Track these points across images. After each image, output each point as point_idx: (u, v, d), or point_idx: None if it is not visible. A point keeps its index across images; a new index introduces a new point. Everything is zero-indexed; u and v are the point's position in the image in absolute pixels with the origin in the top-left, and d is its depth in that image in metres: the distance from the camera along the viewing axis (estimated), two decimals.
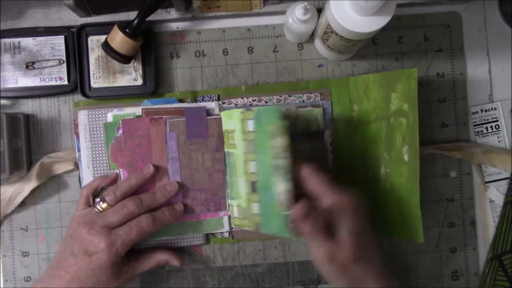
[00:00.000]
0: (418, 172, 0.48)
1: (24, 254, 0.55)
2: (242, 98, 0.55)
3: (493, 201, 0.56)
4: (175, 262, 0.53)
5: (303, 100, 0.55)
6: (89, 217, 0.49)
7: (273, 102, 0.55)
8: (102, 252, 0.47)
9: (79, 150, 0.54)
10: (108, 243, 0.47)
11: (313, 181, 0.46)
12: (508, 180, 0.56)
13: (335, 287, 0.45)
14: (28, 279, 0.55)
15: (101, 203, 0.50)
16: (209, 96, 0.55)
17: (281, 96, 0.55)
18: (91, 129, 0.54)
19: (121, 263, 0.49)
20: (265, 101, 0.55)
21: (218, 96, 0.55)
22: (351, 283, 0.44)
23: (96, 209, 0.50)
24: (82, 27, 0.54)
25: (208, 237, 0.55)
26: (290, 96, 0.55)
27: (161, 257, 0.52)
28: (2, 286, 0.55)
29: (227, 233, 0.55)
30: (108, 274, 0.48)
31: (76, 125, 0.55)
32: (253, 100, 0.55)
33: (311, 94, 0.55)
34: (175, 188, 0.52)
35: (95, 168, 0.54)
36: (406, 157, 0.50)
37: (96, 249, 0.47)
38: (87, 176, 0.54)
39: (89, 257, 0.47)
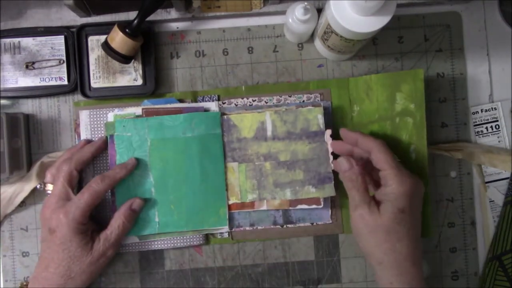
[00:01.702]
0: (427, 169, 0.50)
1: (24, 254, 0.55)
2: (242, 98, 0.55)
3: (493, 201, 0.56)
4: (136, 203, 0.52)
5: (303, 101, 0.55)
6: (47, 200, 0.50)
7: (273, 103, 0.55)
8: (62, 223, 0.48)
9: None
10: (64, 212, 0.48)
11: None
12: (508, 180, 0.56)
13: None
14: (28, 279, 0.55)
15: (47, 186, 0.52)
16: (209, 96, 0.55)
17: (281, 96, 0.55)
18: (92, 129, 0.54)
19: (87, 231, 0.49)
20: (265, 101, 0.55)
21: (218, 96, 0.55)
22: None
23: (48, 193, 0.51)
24: (82, 27, 0.54)
25: (208, 237, 0.55)
26: (290, 97, 0.55)
27: (123, 210, 0.51)
28: (2, 286, 0.55)
29: (227, 233, 0.55)
30: (76, 244, 0.48)
31: (77, 125, 0.55)
32: (253, 100, 0.55)
33: (311, 94, 0.55)
34: (132, 162, 0.52)
35: (96, 167, 0.54)
36: (413, 155, 0.51)
37: (57, 223, 0.48)
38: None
39: (54, 234, 0.48)
